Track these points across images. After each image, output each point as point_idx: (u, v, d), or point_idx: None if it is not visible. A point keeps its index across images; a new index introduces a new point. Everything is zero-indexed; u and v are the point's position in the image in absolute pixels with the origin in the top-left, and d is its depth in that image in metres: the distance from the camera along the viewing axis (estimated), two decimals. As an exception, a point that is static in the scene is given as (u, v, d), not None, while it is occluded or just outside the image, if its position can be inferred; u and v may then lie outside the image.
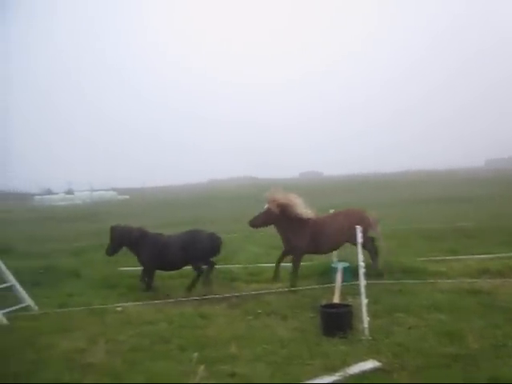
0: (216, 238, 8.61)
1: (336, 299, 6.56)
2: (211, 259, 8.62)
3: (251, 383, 4.66)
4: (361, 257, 6.06)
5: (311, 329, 6.08)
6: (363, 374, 4.69)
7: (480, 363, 4.76)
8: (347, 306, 6.20)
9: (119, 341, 5.97)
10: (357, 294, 6.35)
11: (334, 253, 9.04)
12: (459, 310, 6.43)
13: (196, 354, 5.18)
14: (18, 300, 7.68)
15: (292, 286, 7.97)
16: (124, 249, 8.88)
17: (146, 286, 8.65)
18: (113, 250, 8.82)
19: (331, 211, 9.08)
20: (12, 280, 7.80)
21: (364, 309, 5.80)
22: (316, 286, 7.87)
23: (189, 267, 8.71)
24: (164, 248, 8.52)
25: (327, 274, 8.56)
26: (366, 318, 5.76)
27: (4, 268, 7.85)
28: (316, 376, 4.69)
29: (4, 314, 7.06)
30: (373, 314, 5.98)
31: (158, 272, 8.83)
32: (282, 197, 8.19)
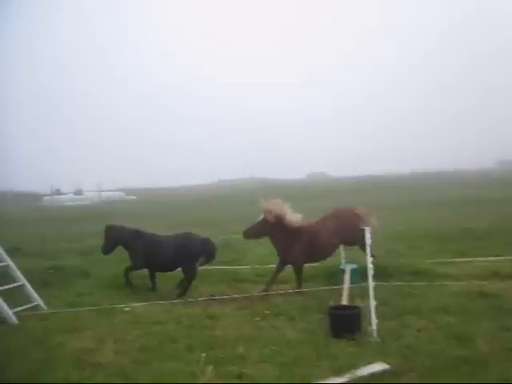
0: (210, 244, 8.64)
1: (344, 301, 6.55)
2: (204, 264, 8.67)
3: (259, 384, 4.66)
4: (369, 258, 6.04)
5: (319, 330, 6.07)
6: (372, 376, 4.67)
7: (489, 366, 4.72)
8: (355, 307, 6.18)
9: (128, 341, 5.99)
10: (365, 295, 6.33)
11: (342, 254, 9.02)
12: (468, 312, 6.38)
13: (204, 355, 5.19)
14: (28, 299, 7.75)
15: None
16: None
17: (152, 287, 8.84)
18: (107, 248, 9.00)
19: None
20: (22, 279, 7.88)
21: (373, 311, 5.78)
22: (324, 288, 7.86)
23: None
24: (157, 249, 8.60)
25: (335, 275, 8.54)
26: (374, 320, 5.74)
27: (14, 267, 7.93)
28: (324, 378, 4.68)
29: (14, 313, 7.13)
30: (381, 316, 5.94)
31: (168, 273, 8.88)
32: (277, 207, 8.07)
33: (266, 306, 7.26)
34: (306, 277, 8.56)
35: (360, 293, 7.15)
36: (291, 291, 7.91)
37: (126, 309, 7.51)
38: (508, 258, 9.55)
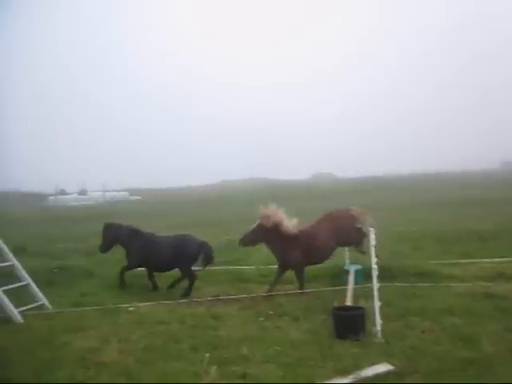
0: (207, 247, 8.68)
1: (348, 301, 6.54)
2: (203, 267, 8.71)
3: (263, 384, 4.66)
4: (374, 259, 6.03)
5: (323, 331, 6.06)
6: (376, 377, 4.66)
7: (495, 367, 4.70)
8: (359, 308, 6.17)
9: (132, 340, 6.01)
10: (369, 296, 6.32)
11: (347, 255, 9.00)
12: (474, 313, 6.35)
13: (208, 355, 5.19)
14: (33, 299, 7.79)
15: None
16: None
17: (152, 286, 8.90)
18: (104, 247, 9.09)
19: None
20: (27, 279, 7.92)
21: (377, 311, 5.77)
22: (328, 288, 7.84)
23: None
24: (154, 249, 8.65)
25: (339, 276, 8.53)
26: (378, 321, 5.72)
27: (20, 267, 7.97)
28: (328, 378, 4.67)
29: (19, 312, 7.16)
30: (386, 317, 5.93)
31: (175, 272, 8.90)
32: (274, 213, 8.02)
33: (269, 306, 7.26)
34: (310, 277, 8.55)
35: (364, 293, 7.15)
36: (295, 292, 7.91)
37: (131, 309, 7.53)
38: (513, 259, 9.50)
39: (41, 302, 7.78)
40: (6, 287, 7.41)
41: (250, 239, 8.17)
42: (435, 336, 5.69)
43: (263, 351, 5.42)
